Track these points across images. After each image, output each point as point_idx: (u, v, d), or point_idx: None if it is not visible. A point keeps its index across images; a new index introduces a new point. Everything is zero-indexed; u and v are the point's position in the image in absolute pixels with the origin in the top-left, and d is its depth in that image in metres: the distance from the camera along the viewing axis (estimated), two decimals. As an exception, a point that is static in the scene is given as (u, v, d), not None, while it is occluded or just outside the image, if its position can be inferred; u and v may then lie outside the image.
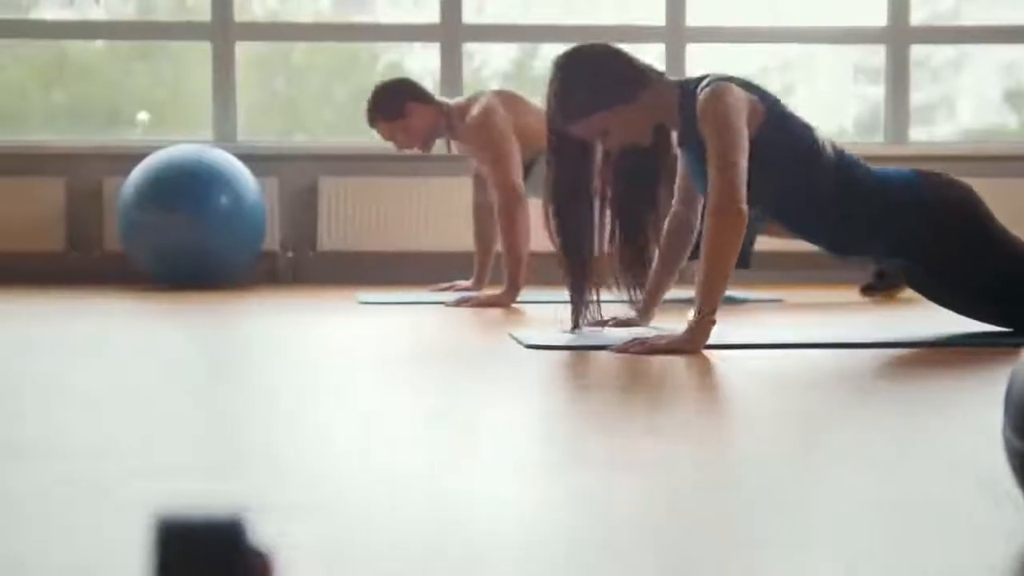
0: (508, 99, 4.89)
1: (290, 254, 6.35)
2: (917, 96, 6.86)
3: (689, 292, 3.14)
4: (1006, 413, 1.25)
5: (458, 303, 4.61)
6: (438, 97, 5.02)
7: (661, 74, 3.26)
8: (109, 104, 6.93)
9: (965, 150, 6.57)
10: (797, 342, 3.11)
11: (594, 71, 3.20)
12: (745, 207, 3.00)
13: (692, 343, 2.95)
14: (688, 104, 3.17)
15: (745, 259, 4.91)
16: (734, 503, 1.41)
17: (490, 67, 7.24)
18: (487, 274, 5.26)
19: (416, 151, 5.08)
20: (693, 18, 6.56)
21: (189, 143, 5.96)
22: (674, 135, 3.29)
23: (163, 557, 0.72)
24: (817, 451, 1.74)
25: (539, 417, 2.07)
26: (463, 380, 2.51)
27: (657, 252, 3.43)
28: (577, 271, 3.30)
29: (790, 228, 3.34)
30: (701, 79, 3.20)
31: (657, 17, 6.54)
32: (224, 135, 6.41)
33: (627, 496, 1.45)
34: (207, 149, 5.81)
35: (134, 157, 5.89)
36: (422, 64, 6.84)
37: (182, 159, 5.70)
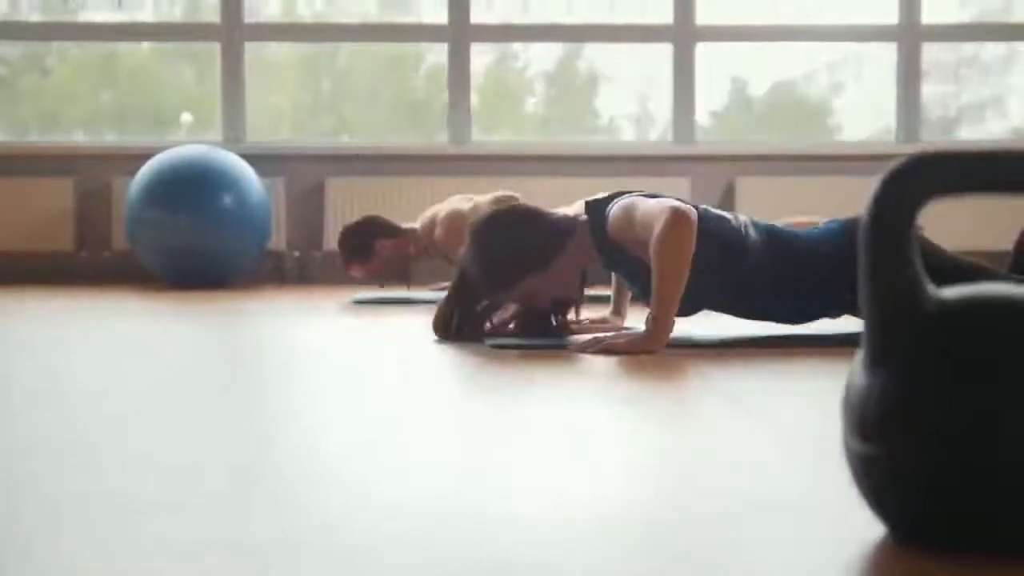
0: (466, 200, 4.92)
1: (296, 254, 6.38)
2: (967, 95, 6.77)
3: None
4: (844, 417, 1.24)
5: (448, 302, 4.62)
6: (404, 224, 5.04)
7: (574, 218, 3.23)
8: (155, 105, 7.00)
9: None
10: (756, 337, 3.09)
11: (513, 240, 3.17)
12: (692, 212, 2.96)
13: (651, 343, 2.94)
14: (599, 230, 3.15)
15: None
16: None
17: (534, 68, 7.24)
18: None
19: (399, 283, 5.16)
20: (703, 17, 6.53)
21: (196, 143, 6.01)
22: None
23: None
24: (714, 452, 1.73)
25: (483, 415, 2.07)
26: (412, 377, 2.51)
27: None
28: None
29: (743, 316, 3.28)
30: (608, 200, 3.18)
31: (665, 16, 6.52)
32: (233, 136, 6.45)
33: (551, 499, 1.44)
34: (212, 150, 5.85)
35: (142, 157, 5.95)
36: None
37: (187, 160, 5.74)
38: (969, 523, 1.16)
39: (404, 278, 5.07)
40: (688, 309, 3.17)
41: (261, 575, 1.13)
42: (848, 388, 1.24)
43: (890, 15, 6.57)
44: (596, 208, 3.19)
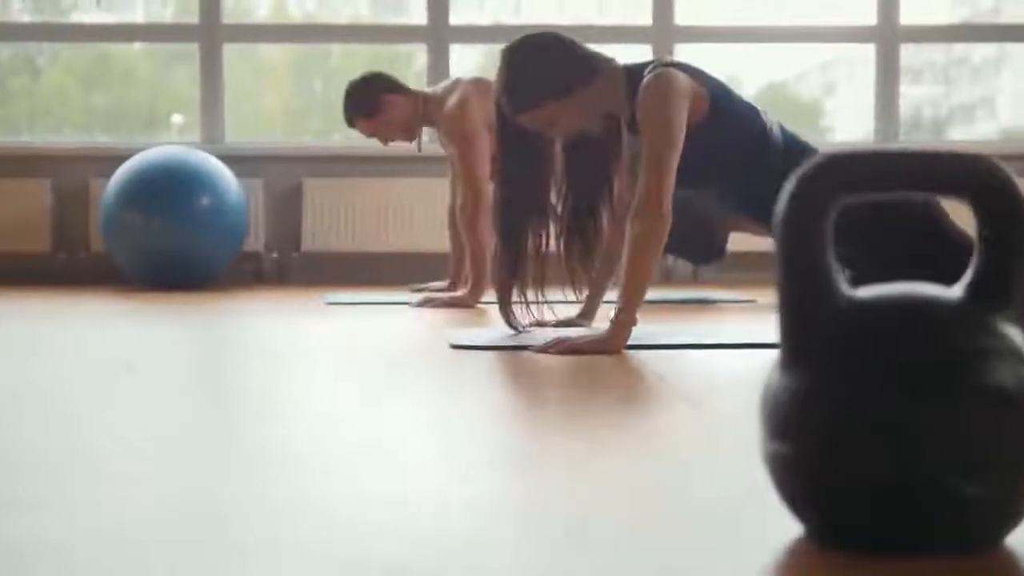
0: (485, 89, 4.87)
1: (275, 255, 6.37)
2: (958, 95, 6.77)
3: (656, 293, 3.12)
4: (760, 419, 1.24)
5: (421, 304, 4.61)
6: (414, 87, 5.02)
7: (610, 60, 3.24)
8: (146, 107, 7.00)
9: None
10: (719, 342, 3.09)
11: (542, 60, 3.20)
12: (668, 210, 2.98)
13: (612, 343, 2.94)
14: (635, 90, 3.15)
15: (720, 249, 4.77)
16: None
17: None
18: (463, 276, 5.25)
19: (403, 143, 5.10)
20: (681, 17, 6.52)
21: (174, 144, 6.00)
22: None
23: None
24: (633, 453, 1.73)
25: (433, 418, 2.07)
26: (366, 380, 2.51)
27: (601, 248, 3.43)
28: (508, 268, 3.29)
29: (737, 210, 3.31)
30: (648, 64, 3.19)
31: (644, 16, 6.51)
32: (212, 136, 6.44)
33: (499, 497, 1.44)
34: (189, 151, 5.83)
35: (120, 158, 5.92)
36: (460, 66, 6.82)
37: (163, 161, 5.72)
38: (880, 524, 1.16)
39: (410, 137, 5.01)
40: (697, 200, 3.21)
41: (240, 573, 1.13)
42: (765, 388, 1.24)
43: (869, 16, 6.58)
44: (636, 66, 3.21)
